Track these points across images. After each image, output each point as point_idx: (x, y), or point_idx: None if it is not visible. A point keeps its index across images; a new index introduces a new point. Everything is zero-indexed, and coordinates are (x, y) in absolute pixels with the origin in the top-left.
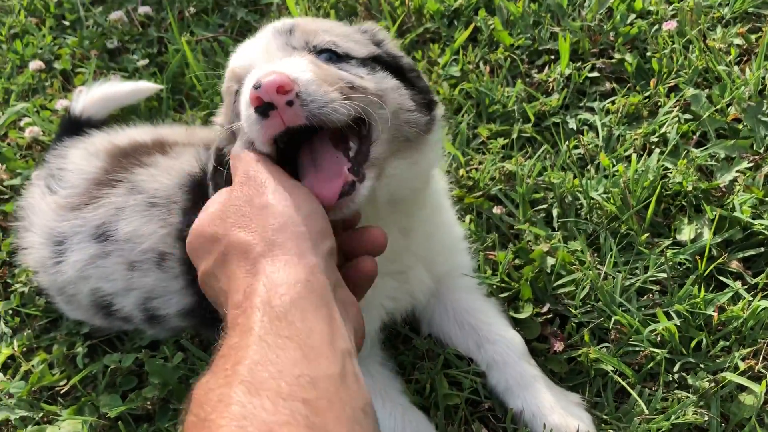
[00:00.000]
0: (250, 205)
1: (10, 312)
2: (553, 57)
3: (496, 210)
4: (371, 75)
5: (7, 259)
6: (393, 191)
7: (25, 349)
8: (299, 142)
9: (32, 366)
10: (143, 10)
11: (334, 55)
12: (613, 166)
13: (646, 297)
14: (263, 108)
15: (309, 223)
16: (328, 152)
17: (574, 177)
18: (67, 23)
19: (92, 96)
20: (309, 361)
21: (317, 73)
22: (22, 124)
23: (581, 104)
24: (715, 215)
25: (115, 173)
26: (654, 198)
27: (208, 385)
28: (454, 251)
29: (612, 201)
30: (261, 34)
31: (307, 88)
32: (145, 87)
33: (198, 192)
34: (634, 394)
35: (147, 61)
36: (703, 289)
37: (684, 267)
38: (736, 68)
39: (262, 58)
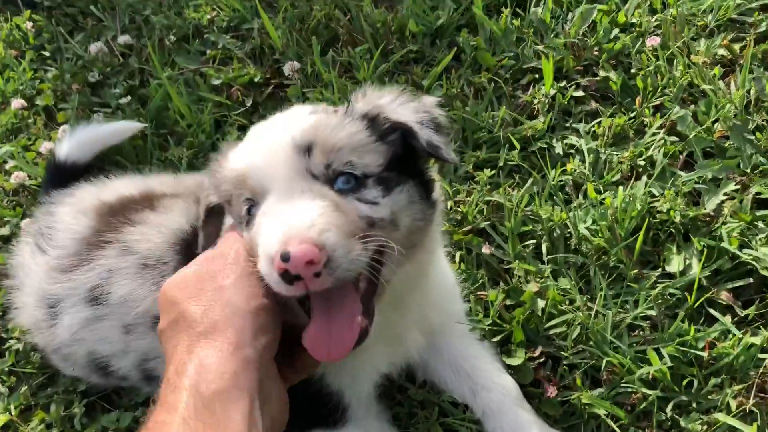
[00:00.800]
0: (212, 282)
1: (5, 371)
2: (537, 76)
3: (485, 249)
4: (387, 197)
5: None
6: (395, 292)
7: (23, 407)
8: None
9: (30, 429)
10: (123, 39)
11: (352, 178)
12: (601, 194)
13: (637, 332)
14: (289, 277)
15: (255, 318)
16: (339, 291)
17: (561, 210)
18: (47, 54)
19: (76, 140)
20: None
21: (340, 225)
22: (7, 167)
23: (567, 125)
24: (704, 246)
25: (105, 234)
26: (642, 230)
27: None
28: (448, 301)
29: (600, 234)
30: (276, 140)
31: (333, 254)
32: (128, 126)
33: (189, 251)
34: None
35: (129, 98)
36: (692, 327)
37: (674, 298)
38: (721, 83)
39: (282, 186)
